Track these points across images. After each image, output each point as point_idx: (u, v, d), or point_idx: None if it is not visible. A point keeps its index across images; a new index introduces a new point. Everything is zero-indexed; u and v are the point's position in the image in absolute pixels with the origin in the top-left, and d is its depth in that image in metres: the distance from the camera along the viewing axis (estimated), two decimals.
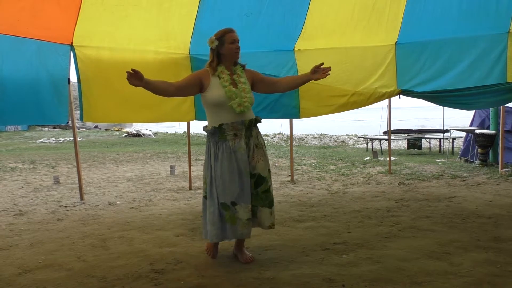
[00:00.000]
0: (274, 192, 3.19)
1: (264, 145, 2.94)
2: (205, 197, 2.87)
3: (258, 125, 2.97)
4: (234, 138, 2.78)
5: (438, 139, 11.49)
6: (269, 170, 2.89)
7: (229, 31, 2.84)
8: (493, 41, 5.30)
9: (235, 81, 2.84)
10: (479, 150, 7.15)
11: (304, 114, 5.84)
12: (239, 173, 2.74)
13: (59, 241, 3.52)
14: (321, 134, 17.96)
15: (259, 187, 2.82)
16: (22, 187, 6.29)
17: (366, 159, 8.51)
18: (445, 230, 3.53)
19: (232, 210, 2.74)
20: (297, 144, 14.67)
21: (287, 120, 6.32)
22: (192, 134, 16.57)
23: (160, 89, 2.75)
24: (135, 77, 2.60)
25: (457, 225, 3.67)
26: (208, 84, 2.82)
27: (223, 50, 2.83)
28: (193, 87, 2.84)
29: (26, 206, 4.97)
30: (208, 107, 2.86)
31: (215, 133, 2.79)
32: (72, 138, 5.64)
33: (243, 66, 2.95)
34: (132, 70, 2.57)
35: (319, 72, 2.86)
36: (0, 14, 4.06)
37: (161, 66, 5.22)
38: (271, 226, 2.85)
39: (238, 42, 2.85)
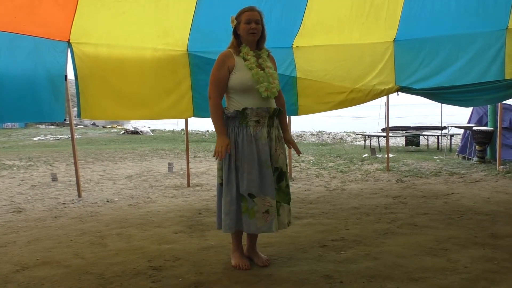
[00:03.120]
0: None
1: (283, 138, 2.82)
2: (220, 184, 2.69)
3: None
4: (256, 125, 2.60)
5: (436, 136, 11.52)
6: (286, 164, 2.77)
7: (247, 9, 2.64)
8: (491, 38, 5.30)
9: (261, 65, 2.67)
10: (477, 147, 7.16)
11: (303, 111, 5.83)
12: (259, 163, 2.57)
13: (57, 238, 3.51)
14: (319, 131, 17.99)
15: (280, 182, 2.68)
16: (20, 185, 6.27)
17: (364, 156, 8.52)
18: (443, 226, 3.54)
19: (250, 202, 2.57)
20: (295, 141, 14.66)
21: None
22: (190, 131, 16.54)
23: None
24: (226, 148, 2.58)
25: (454, 221, 3.68)
26: (233, 66, 2.63)
27: (239, 30, 2.65)
28: (226, 80, 2.65)
29: (23, 204, 4.96)
30: (230, 91, 2.66)
31: (236, 117, 2.61)
32: (70, 136, 5.63)
33: (268, 52, 2.77)
34: (223, 148, 2.57)
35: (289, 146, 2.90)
36: None
37: (159, 63, 5.21)
38: (288, 224, 2.76)
39: (257, 22, 2.62)
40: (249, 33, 2.64)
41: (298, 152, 2.90)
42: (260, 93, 2.60)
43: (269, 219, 2.59)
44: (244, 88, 2.62)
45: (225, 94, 2.72)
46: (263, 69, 2.66)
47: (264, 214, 2.58)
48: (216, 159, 2.63)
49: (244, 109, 2.60)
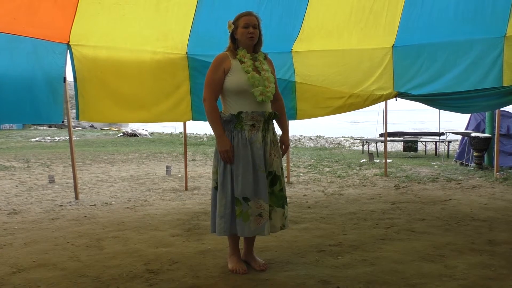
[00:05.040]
0: None
1: (278, 142, 2.81)
2: (215, 188, 2.70)
3: None
4: (251, 129, 2.61)
5: (434, 142, 11.54)
6: (282, 168, 2.75)
7: (244, 14, 2.66)
8: (489, 45, 5.34)
9: (257, 68, 2.68)
10: (475, 153, 7.18)
11: (301, 116, 5.85)
12: (254, 167, 2.58)
13: (53, 241, 3.50)
14: (317, 136, 18.02)
15: (274, 186, 2.68)
16: (17, 186, 6.25)
17: (362, 161, 8.53)
18: (440, 232, 3.54)
19: (244, 206, 2.57)
20: (293, 145, 14.69)
21: None
22: (188, 134, 16.55)
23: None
24: (231, 152, 2.60)
25: (452, 228, 3.68)
26: (228, 68, 2.63)
27: (237, 35, 2.66)
28: (222, 82, 2.65)
29: (20, 205, 4.94)
30: (226, 93, 2.66)
31: (231, 120, 2.62)
32: (68, 137, 5.62)
33: (265, 55, 2.79)
34: (228, 153, 2.60)
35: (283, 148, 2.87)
36: None
37: (158, 66, 5.22)
38: (282, 227, 2.72)
39: (254, 27, 2.65)
40: (247, 37, 2.66)
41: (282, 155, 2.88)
42: (255, 97, 2.61)
43: (262, 222, 2.60)
44: (239, 90, 2.62)
45: (221, 97, 2.73)
46: (259, 72, 2.67)
47: (257, 217, 2.59)
48: (227, 163, 2.62)
49: (239, 112, 2.61)
